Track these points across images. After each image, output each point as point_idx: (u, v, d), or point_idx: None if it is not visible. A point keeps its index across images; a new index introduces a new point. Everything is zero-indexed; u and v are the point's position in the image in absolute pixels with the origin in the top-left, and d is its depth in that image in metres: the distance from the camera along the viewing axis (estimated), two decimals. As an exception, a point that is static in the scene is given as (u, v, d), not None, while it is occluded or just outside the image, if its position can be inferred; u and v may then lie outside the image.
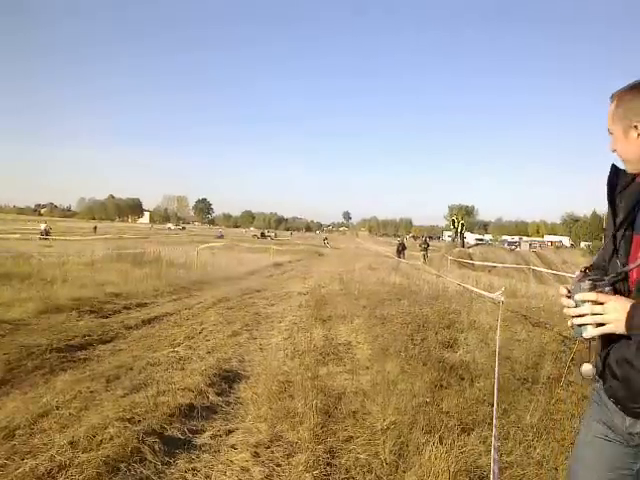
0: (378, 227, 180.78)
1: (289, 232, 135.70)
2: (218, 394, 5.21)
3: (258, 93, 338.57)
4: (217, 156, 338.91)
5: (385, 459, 3.75)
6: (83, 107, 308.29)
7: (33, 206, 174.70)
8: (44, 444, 3.70)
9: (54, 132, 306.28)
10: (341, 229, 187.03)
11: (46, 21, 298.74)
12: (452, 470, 3.35)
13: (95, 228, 63.54)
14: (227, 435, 4.27)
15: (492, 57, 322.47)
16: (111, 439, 3.77)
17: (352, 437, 4.20)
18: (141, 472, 3.43)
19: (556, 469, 3.59)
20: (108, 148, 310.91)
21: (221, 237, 61.95)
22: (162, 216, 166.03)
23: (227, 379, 5.77)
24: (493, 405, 4.69)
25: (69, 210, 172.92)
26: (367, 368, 6.29)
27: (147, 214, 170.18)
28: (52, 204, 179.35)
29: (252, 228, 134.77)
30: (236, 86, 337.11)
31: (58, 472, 3.26)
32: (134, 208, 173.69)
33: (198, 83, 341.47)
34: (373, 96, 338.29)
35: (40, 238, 37.25)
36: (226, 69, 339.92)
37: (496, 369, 4.54)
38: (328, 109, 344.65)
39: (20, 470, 3.23)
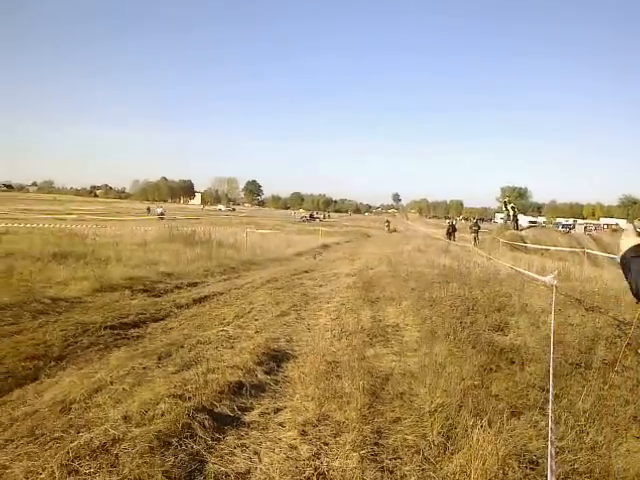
0: (428, 209, 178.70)
1: (337, 214, 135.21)
2: (266, 373, 5.27)
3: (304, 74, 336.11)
4: (268, 139, 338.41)
5: (433, 441, 3.73)
6: (137, 91, 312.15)
7: (89, 188, 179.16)
8: (99, 418, 3.83)
9: (109, 115, 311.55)
10: (390, 211, 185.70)
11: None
12: (501, 454, 3.30)
13: (148, 209, 64.75)
14: (275, 413, 4.33)
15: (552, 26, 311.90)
16: (163, 415, 3.86)
17: (399, 418, 4.19)
18: (192, 447, 3.50)
19: (609, 455, 3.50)
20: (161, 131, 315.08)
21: (162, 215, 48.38)
22: (213, 197, 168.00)
23: (275, 358, 5.81)
24: (545, 389, 4.64)
25: (123, 192, 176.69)
26: (415, 350, 6.24)
27: (198, 195, 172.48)
28: (107, 186, 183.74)
29: (301, 210, 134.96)
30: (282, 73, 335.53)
31: (112, 445, 3.36)
32: (186, 190, 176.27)
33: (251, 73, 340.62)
34: (422, 73, 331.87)
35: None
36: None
37: (551, 353, 4.44)
38: (377, 87, 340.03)
39: (75, 443, 3.34)
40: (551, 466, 2.47)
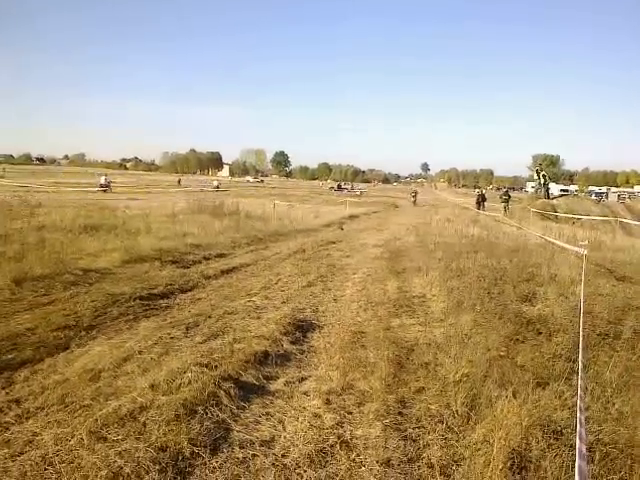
0: (457, 178, 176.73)
1: (364, 184, 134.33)
2: (292, 342, 5.32)
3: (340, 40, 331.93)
4: (297, 110, 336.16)
5: (457, 410, 3.74)
6: (164, 63, 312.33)
7: (119, 160, 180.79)
8: (127, 386, 3.92)
9: (139, 88, 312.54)
10: (419, 181, 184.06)
11: None
12: (525, 424, 3.29)
13: (179, 181, 65.07)
14: (300, 382, 4.38)
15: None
16: (189, 383, 3.93)
17: (424, 388, 4.20)
18: (217, 415, 3.57)
19: (635, 426, 3.46)
20: (189, 103, 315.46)
21: (106, 186, 40.81)
22: (241, 169, 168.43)
23: (301, 328, 5.86)
24: (571, 360, 4.60)
25: (153, 164, 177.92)
26: (441, 321, 6.23)
27: (227, 167, 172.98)
28: (137, 158, 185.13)
29: (329, 180, 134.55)
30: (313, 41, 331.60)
31: (139, 413, 3.44)
32: (214, 161, 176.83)
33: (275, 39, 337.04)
34: (451, 42, 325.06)
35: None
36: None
37: (580, 322, 4.39)
38: (410, 56, 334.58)
39: (104, 411, 3.43)
40: (580, 433, 2.46)
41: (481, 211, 32.25)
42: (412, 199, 49.89)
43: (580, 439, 2.42)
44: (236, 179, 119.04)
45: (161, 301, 6.86)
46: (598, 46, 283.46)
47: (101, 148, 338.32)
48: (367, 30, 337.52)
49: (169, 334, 5.33)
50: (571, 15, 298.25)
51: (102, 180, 41.88)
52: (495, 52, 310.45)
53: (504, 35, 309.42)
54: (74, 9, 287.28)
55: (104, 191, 37.66)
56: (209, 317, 6.11)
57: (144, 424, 3.30)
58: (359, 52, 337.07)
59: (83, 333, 5.35)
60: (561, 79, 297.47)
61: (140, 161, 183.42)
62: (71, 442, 3.10)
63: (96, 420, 3.30)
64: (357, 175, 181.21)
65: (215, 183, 63.22)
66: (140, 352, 4.73)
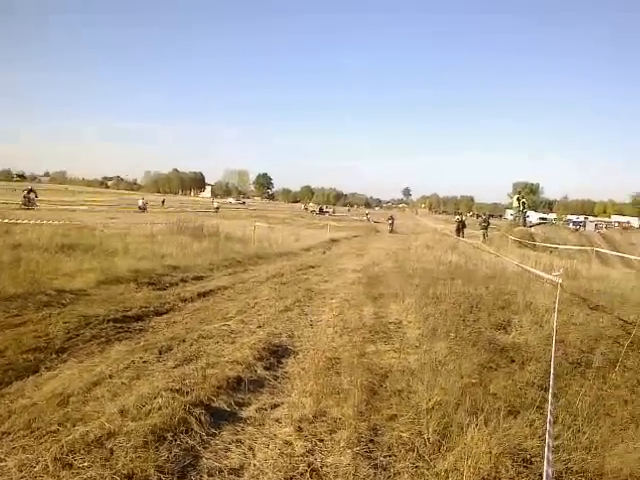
0: (438, 204, 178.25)
1: (346, 208, 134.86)
2: (266, 368, 5.29)
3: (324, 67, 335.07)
4: (281, 133, 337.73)
5: (428, 438, 3.74)
6: (148, 84, 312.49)
7: (100, 179, 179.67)
8: (95, 412, 3.86)
9: (122, 108, 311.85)
10: (400, 206, 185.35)
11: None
12: (495, 452, 3.30)
13: (163, 202, 64.65)
14: (272, 409, 4.35)
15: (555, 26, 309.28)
16: (159, 409, 3.88)
17: (396, 415, 4.19)
18: (187, 442, 3.53)
19: (604, 455, 3.49)
20: (173, 123, 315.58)
21: (144, 208, 44.49)
22: (223, 190, 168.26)
23: (276, 354, 5.84)
24: (543, 388, 4.63)
25: (135, 183, 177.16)
26: (416, 347, 6.24)
27: (209, 188, 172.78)
28: (119, 177, 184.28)
29: (311, 203, 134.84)
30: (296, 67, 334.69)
31: (107, 439, 3.38)
32: (197, 182, 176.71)
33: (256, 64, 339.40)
34: (434, 70, 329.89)
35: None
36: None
37: (552, 351, 4.43)
38: (389, 83, 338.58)
39: (71, 437, 3.37)
40: (548, 458, 2.47)
41: (461, 238, 32.51)
42: (389, 227, 45.86)
43: (548, 463, 2.43)
44: (218, 200, 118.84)
45: (135, 324, 6.78)
46: (579, 74, 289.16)
47: (82, 166, 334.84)
48: (353, 59, 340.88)
49: (141, 358, 5.27)
50: (552, 42, 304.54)
51: (140, 203, 46.94)
52: (477, 81, 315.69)
53: (485, 64, 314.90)
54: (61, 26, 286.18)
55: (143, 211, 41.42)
56: (183, 341, 6.05)
57: (111, 451, 3.25)
58: (344, 81, 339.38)
59: (54, 356, 5.26)
60: (543, 108, 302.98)
61: (122, 180, 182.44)
62: (36, 469, 3.04)
63: (62, 446, 3.24)
64: (339, 199, 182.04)
65: (215, 205, 67.04)
66: (111, 376, 4.66)
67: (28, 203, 33.44)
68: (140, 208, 44.71)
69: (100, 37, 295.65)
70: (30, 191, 35.21)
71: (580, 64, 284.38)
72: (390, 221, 47.28)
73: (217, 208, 61.46)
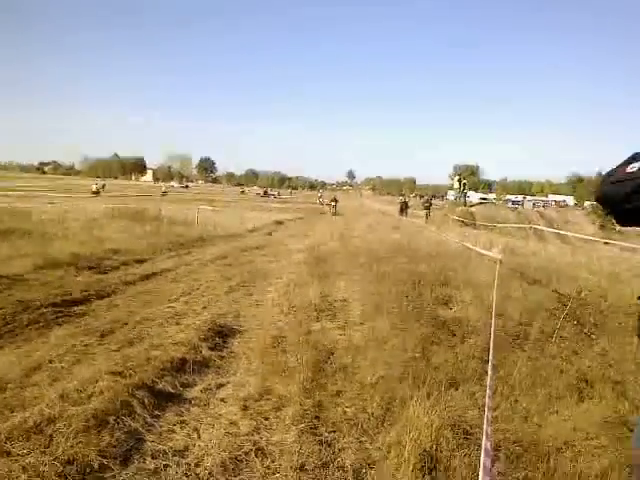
0: (382, 186, 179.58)
1: (289, 190, 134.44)
2: (211, 348, 5.25)
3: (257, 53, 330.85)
4: (222, 116, 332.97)
5: (372, 413, 3.79)
6: (88, 66, 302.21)
7: (36, 164, 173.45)
8: (35, 397, 3.75)
9: (59, 91, 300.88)
10: (344, 188, 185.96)
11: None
12: (436, 425, 3.37)
13: (104, 186, 62.24)
14: (218, 389, 4.32)
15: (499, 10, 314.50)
16: (101, 393, 3.80)
17: (341, 391, 4.24)
18: (130, 425, 3.46)
19: (539, 425, 3.62)
20: (113, 107, 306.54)
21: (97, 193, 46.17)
22: (166, 174, 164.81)
23: (221, 334, 5.79)
24: (484, 361, 4.75)
25: (72, 168, 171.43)
26: (360, 324, 6.30)
27: (150, 172, 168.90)
28: (56, 162, 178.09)
29: (255, 187, 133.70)
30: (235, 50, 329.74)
31: (47, 425, 3.28)
32: (138, 166, 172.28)
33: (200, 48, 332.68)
34: (375, 53, 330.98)
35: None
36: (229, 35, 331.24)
37: (492, 325, 4.54)
38: (328, 65, 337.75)
39: (9, 423, 3.27)
40: (486, 432, 2.53)
41: (404, 218, 32.91)
42: (332, 209, 41.67)
43: (486, 437, 2.50)
44: (159, 184, 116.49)
45: (75, 308, 6.60)
46: (517, 60, 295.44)
47: (17, 150, 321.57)
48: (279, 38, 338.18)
49: (82, 342, 5.14)
50: (487, 19, 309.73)
51: (93, 187, 48.95)
52: (416, 67, 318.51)
53: (425, 50, 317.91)
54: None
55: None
56: (126, 324, 5.94)
57: (51, 437, 3.15)
58: (277, 60, 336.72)
59: (-11, 343, 5.08)
60: (481, 93, 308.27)
61: (59, 165, 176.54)
62: (-28, 458, 2.94)
63: (0, 434, 3.14)
64: (284, 182, 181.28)
65: (163, 189, 67.64)
66: (51, 361, 4.54)
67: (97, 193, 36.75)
68: (94, 193, 45.20)
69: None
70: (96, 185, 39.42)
71: (513, 45, 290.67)
72: (333, 203, 42.39)
73: (164, 192, 61.34)
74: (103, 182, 71.21)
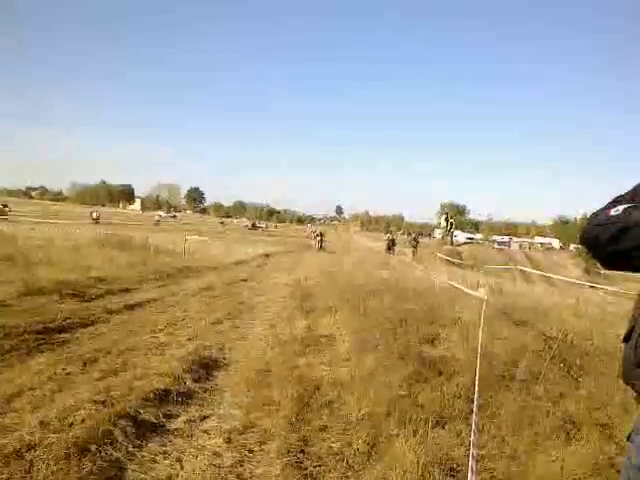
0: (369, 222, 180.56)
1: (275, 224, 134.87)
2: (195, 380, 5.20)
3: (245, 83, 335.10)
4: (210, 149, 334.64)
5: (358, 448, 3.77)
6: (76, 92, 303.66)
7: (24, 189, 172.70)
8: (15, 424, 3.69)
9: (47, 116, 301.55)
10: (333, 223, 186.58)
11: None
12: (422, 461, 3.35)
13: (92, 214, 61.82)
14: (201, 421, 4.28)
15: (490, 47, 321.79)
16: (83, 421, 3.76)
17: (327, 426, 4.21)
18: (111, 454, 3.42)
19: (527, 465, 3.61)
20: (102, 135, 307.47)
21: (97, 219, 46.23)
22: (154, 203, 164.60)
23: (206, 366, 5.74)
24: (470, 400, 4.73)
25: (60, 194, 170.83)
26: (346, 360, 6.28)
27: (138, 200, 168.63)
28: (43, 187, 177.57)
29: (244, 219, 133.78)
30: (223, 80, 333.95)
31: (27, 451, 3.24)
32: (126, 194, 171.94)
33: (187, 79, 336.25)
34: (363, 82, 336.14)
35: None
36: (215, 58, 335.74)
37: (477, 365, 4.55)
38: (317, 106, 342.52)
39: (-13, 448, 3.21)
40: (472, 467, 2.52)
41: (391, 255, 33.05)
42: (317, 245, 38.47)
43: (472, 472, 2.49)
44: (147, 213, 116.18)
45: (58, 335, 6.51)
46: (501, 98, 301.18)
47: (3, 175, 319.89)
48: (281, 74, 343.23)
49: (64, 370, 5.07)
50: (468, 52, 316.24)
51: (94, 215, 49.32)
52: (401, 97, 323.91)
53: (413, 80, 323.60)
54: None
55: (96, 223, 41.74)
56: (109, 353, 5.87)
57: (31, 462, 3.11)
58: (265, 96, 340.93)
59: (-30, 368, 5.00)
60: (465, 132, 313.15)
61: (47, 190, 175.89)
62: (-51, 485, 2.88)
63: (-21, 459, 3.08)
64: (272, 215, 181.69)
65: (156, 217, 69.56)
66: (32, 388, 4.47)
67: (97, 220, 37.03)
68: (94, 220, 45.21)
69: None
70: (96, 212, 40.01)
71: (498, 88, 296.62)
72: (318, 238, 39.24)
73: (158, 221, 62.16)
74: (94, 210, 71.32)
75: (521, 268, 25.83)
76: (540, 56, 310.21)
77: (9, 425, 3.67)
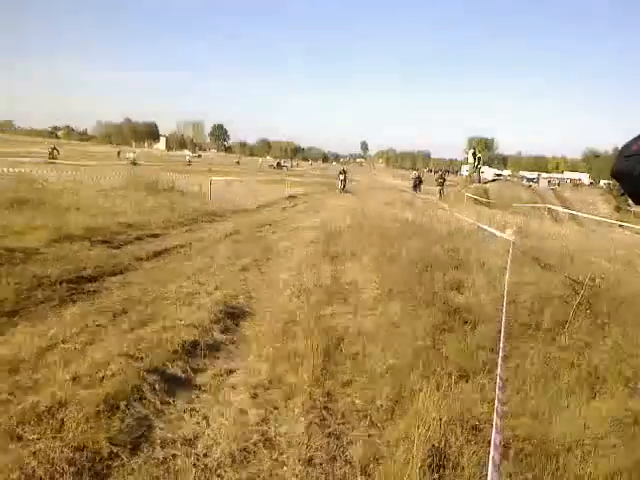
0: (395, 159, 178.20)
1: (309, 162, 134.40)
2: (222, 331, 5.29)
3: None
4: (235, 81, 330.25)
5: (381, 405, 3.81)
6: (98, 29, 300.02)
7: (49, 129, 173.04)
8: (47, 379, 3.79)
9: (71, 54, 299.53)
10: (358, 160, 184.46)
11: None
12: (445, 419, 3.38)
13: (119, 153, 62.61)
14: (228, 375, 4.36)
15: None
16: (113, 376, 3.84)
17: (351, 381, 4.26)
18: (140, 411, 3.51)
19: (550, 422, 3.61)
20: (125, 71, 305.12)
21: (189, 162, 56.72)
22: (178, 142, 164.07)
23: (233, 316, 5.83)
24: (494, 351, 4.72)
25: (85, 133, 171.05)
26: (371, 309, 6.31)
27: (163, 139, 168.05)
28: (69, 127, 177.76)
29: (268, 157, 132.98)
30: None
31: (58, 410, 3.32)
32: (150, 133, 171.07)
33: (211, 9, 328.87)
34: (389, 20, 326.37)
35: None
36: None
37: (503, 316, 4.51)
38: (342, 33, 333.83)
39: (21, 406, 3.31)
40: (496, 424, 2.53)
41: (417, 194, 32.75)
42: (340, 184, 35.25)
43: (496, 430, 2.49)
44: (172, 153, 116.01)
45: (89, 285, 6.62)
46: (531, 29, 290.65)
47: (30, 115, 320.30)
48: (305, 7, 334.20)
49: (95, 321, 5.17)
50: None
51: (131, 156, 52.37)
52: (431, 39, 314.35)
53: (440, 20, 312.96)
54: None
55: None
56: (138, 303, 5.97)
57: (62, 421, 3.19)
58: (298, 28, 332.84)
59: (4, 319, 5.09)
60: (496, 65, 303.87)
61: (72, 130, 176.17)
62: (-17, 442, 2.98)
63: (11, 417, 3.18)
64: (297, 153, 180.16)
65: (188, 158, 70.06)
66: (64, 341, 4.57)
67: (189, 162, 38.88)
68: (132, 163, 46.44)
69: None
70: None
71: (531, 19, 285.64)
72: (342, 176, 35.40)
73: (189, 162, 63.02)
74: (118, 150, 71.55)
75: (549, 206, 25.47)
76: None
77: (42, 381, 3.76)
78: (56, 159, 40.70)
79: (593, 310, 6.22)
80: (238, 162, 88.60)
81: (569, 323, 5.73)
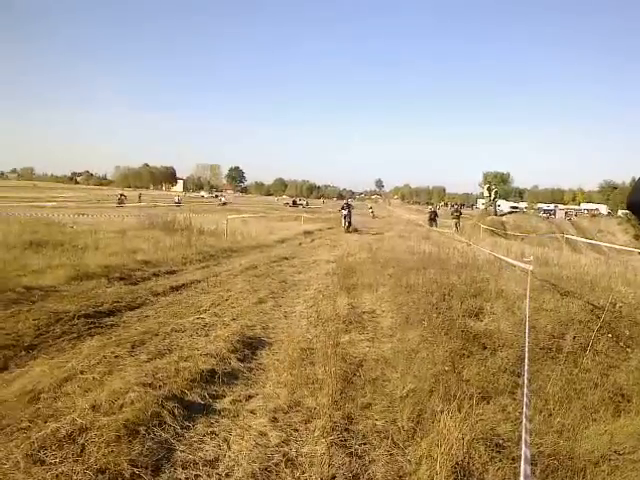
0: (410, 195, 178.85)
1: (321, 200, 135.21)
2: (240, 360, 5.28)
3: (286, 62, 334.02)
4: (250, 125, 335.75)
5: (402, 426, 3.77)
6: (116, 75, 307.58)
7: (69, 174, 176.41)
8: (67, 407, 3.80)
9: (90, 101, 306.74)
10: (373, 197, 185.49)
11: None
12: (467, 438, 3.34)
13: (140, 196, 63.38)
14: (247, 400, 4.34)
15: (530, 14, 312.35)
16: (132, 403, 3.85)
17: (371, 404, 4.23)
18: (160, 435, 3.50)
19: (575, 440, 3.55)
20: (142, 117, 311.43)
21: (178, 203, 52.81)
22: (195, 184, 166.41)
23: (250, 345, 5.82)
24: (515, 374, 4.68)
25: (105, 178, 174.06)
26: (389, 336, 6.28)
27: (180, 182, 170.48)
28: (88, 172, 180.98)
29: (284, 196, 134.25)
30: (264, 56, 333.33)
31: (79, 435, 3.34)
32: (168, 176, 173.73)
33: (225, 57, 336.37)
34: (406, 58, 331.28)
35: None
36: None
37: (526, 336, 4.47)
38: (356, 75, 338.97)
39: (42, 433, 3.32)
40: (525, 440, 2.49)
41: (433, 228, 32.73)
42: (344, 222, 29.51)
43: (525, 445, 2.46)
44: (190, 194, 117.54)
45: (107, 319, 6.68)
46: (546, 61, 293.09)
47: (51, 161, 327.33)
48: (317, 50, 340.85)
49: (113, 353, 5.19)
50: (519, 30, 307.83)
51: (176, 199, 54.54)
52: (447, 72, 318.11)
53: (454, 53, 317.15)
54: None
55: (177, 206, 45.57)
56: (156, 335, 5.99)
57: (83, 446, 3.21)
58: (311, 72, 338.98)
59: (23, 353, 5.16)
60: (511, 101, 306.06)
61: (91, 175, 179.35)
62: (6, 465, 2.99)
63: (33, 442, 3.19)
64: (312, 191, 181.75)
65: (223, 200, 72.61)
66: (82, 372, 4.59)
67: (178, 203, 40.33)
68: (176, 204, 49.53)
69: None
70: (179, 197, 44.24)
71: (547, 51, 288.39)
72: (345, 211, 29.86)
73: (224, 203, 65.51)
74: (139, 193, 72.69)
75: (567, 236, 25.30)
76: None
77: (62, 409, 3.78)
78: (124, 204, 42.76)
79: (615, 333, 6.15)
80: (292, 203, 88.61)
81: (591, 346, 5.65)
